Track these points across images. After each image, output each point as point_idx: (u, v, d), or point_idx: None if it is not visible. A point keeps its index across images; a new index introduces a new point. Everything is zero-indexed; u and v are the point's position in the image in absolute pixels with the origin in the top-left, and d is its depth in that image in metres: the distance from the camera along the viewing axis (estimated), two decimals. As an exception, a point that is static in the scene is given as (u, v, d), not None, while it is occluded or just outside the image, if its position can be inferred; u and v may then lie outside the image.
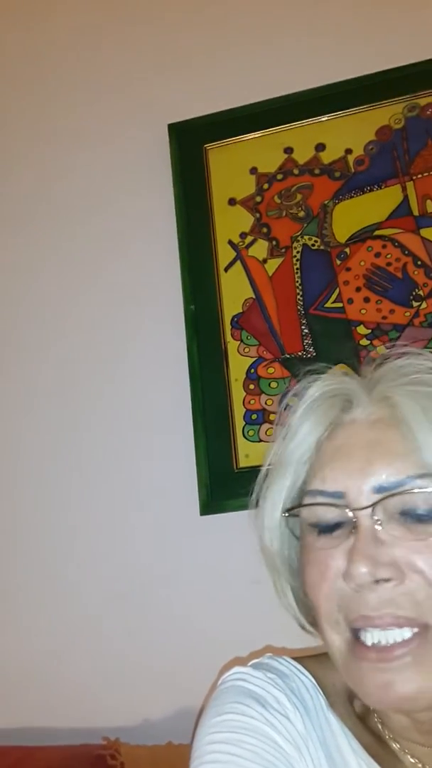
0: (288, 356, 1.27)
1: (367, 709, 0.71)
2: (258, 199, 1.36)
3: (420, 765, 0.66)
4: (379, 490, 0.62)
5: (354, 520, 0.62)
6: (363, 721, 0.70)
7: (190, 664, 1.17)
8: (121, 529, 1.27)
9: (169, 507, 1.26)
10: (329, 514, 0.65)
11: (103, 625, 1.23)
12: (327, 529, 0.65)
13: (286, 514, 0.69)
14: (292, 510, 0.69)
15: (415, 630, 0.60)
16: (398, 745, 0.67)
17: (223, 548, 1.22)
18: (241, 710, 0.65)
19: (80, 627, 1.24)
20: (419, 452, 0.61)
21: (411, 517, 0.61)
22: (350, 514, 0.63)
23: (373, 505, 0.61)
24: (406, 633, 0.59)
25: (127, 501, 1.28)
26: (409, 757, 0.67)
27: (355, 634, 0.62)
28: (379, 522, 0.61)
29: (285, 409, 0.73)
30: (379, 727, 0.69)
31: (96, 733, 1.11)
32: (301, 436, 0.69)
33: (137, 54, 1.49)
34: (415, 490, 0.61)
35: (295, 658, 0.74)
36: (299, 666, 0.72)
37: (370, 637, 0.60)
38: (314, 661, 0.74)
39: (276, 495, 0.71)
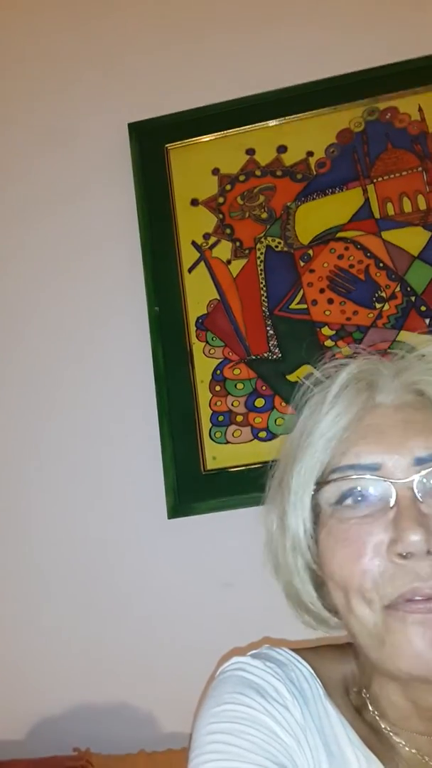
0: (253, 357, 1.27)
1: (363, 702, 0.71)
2: (221, 200, 1.36)
3: (420, 756, 0.66)
4: (418, 462, 0.63)
5: (394, 493, 0.62)
6: (359, 713, 0.70)
7: (161, 670, 1.16)
8: (88, 535, 1.25)
9: (137, 512, 1.24)
10: (363, 488, 0.64)
11: (71, 633, 1.21)
12: (353, 505, 0.64)
13: (316, 489, 0.68)
14: (324, 484, 0.67)
15: None
16: (398, 738, 0.68)
17: (193, 552, 1.21)
18: (240, 700, 0.65)
19: (48, 635, 1.21)
20: None
21: None
22: (390, 486, 0.63)
23: (414, 477, 0.62)
24: None
25: (94, 507, 1.26)
26: (407, 748, 0.67)
27: (393, 607, 0.60)
28: (420, 494, 0.62)
29: (304, 393, 0.73)
30: (377, 718, 0.69)
31: (66, 743, 1.08)
32: (332, 418, 0.69)
33: (96, 53, 1.47)
34: None
35: (292, 650, 0.74)
36: (297, 656, 0.72)
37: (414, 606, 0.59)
38: (311, 652, 0.74)
39: (307, 472, 0.69)
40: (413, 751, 0.67)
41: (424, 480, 0.62)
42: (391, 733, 0.68)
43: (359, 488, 0.65)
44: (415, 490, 0.62)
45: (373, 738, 0.68)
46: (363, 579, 0.62)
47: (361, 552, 0.62)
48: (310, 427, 0.70)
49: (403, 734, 0.68)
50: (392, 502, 0.62)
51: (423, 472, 0.62)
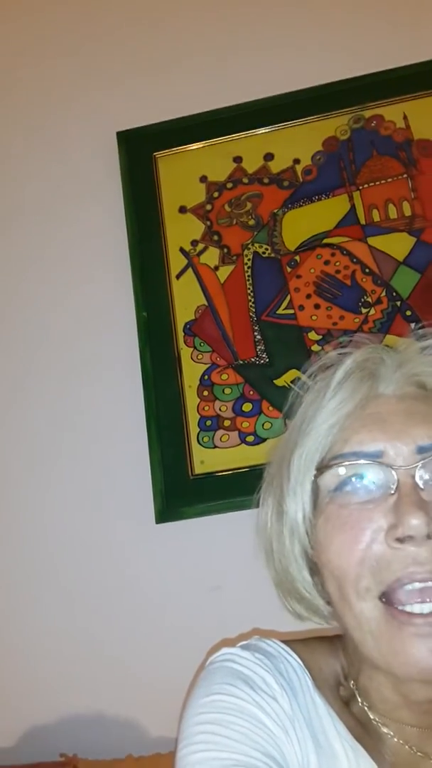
0: (241, 362, 1.28)
1: (352, 693, 0.71)
2: (208, 207, 1.37)
3: (407, 746, 0.67)
4: (421, 450, 0.63)
5: (395, 480, 0.63)
6: (347, 705, 0.70)
7: (148, 675, 1.16)
8: (76, 541, 1.25)
9: (125, 517, 1.24)
10: (365, 474, 0.64)
11: (58, 640, 1.20)
12: (352, 492, 0.64)
13: (317, 474, 0.68)
14: (325, 469, 0.67)
15: None
16: (386, 729, 0.68)
17: (181, 556, 1.21)
18: (229, 691, 0.65)
19: (35, 642, 1.21)
20: None
21: None
22: (392, 472, 0.63)
23: (415, 465, 0.62)
24: None
25: (82, 512, 1.26)
26: (395, 739, 0.67)
27: (389, 602, 0.61)
28: (422, 481, 0.62)
29: (308, 381, 0.74)
30: (365, 710, 0.69)
31: (53, 750, 1.08)
32: (334, 406, 0.69)
33: (85, 62, 1.48)
34: None
35: (282, 641, 0.74)
36: (286, 648, 0.72)
37: (408, 600, 0.59)
38: (301, 644, 0.74)
39: (308, 457, 0.69)
40: (401, 741, 0.67)
41: (426, 468, 0.63)
42: (379, 724, 0.68)
43: (361, 475, 0.65)
44: (417, 478, 0.62)
45: (361, 730, 0.68)
46: (359, 568, 0.62)
47: (359, 538, 0.62)
48: (312, 413, 0.70)
49: (391, 725, 0.68)
50: (393, 489, 0.62)
51: (425, 460, 0.63)
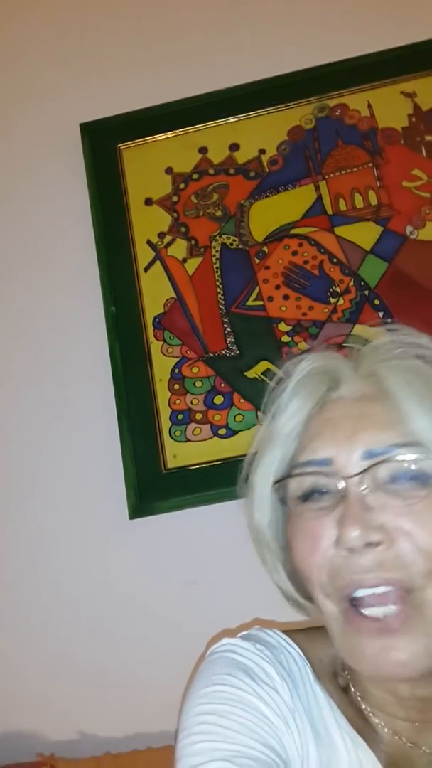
0: (211, 355, 1.27)
1: (348, 683, 0.72)
2: (175, 198, 1.36)
3: (397, 738, 0.68)
4: (367, 457, 0.64)
5: (343, 487, 0.63)
6: (346, 694, 0.71)
7: (124, 672, 1.15)
8: (48, 539, 1.23)
9: (98, 513, 1.23)
10: (319, 483, 0.65)
11: (32, 636, 1.19)
12: (316, 499, 0.66)
13: (276, 485, 0.69)
14: (282, 480, 0.69)
15: (400, 594, 0.61)
16: (377, 719, 0.69)
17: (156, 551, 1.21)
18: (229, 681, 0.66)
19: (8, 641, 1.20)
20: (404, 422, 0.63)
21: (397, 483, 0.62)
22: (340, 481, 0.64)
23: (362, 472, 0.63)
24: (392, 608, 0.61)
25: (54, 510, 1.25)
26: (386, 730, 0.68)
27: (350, 603, 0.62)
28: (367, 489, 0.63)
29: (273, 389, 0.74)
30: (359, 701, 0.70)
31: (30, 749, 1.07)
32: (291, 412, 0.70)
33: (48, 53, 1.46)
34: (400, 458, 0.62)
35: (283, 631, 0.74)
36: (287, 638, 0.73)
37: (366, 603, 0.61)
38: (301, 634, 0.75)
39: (266, 468, 0.71)
40: (391, 732, 0.68)
41: (372, 473, 0.63)
42: (371, 714, 0.69)
43: (316, 483, 0.66)
44: (362, 484, 0.63)
45: (360, 720, 0.69)
46: (320, 573, 0.64)
47: (315, 546, 0.64)
48: (272, 423, 0.72)
49: (381, 716, 0.69)
50: (342, 497, 0.63)
51: (371, 467, 0.63)
